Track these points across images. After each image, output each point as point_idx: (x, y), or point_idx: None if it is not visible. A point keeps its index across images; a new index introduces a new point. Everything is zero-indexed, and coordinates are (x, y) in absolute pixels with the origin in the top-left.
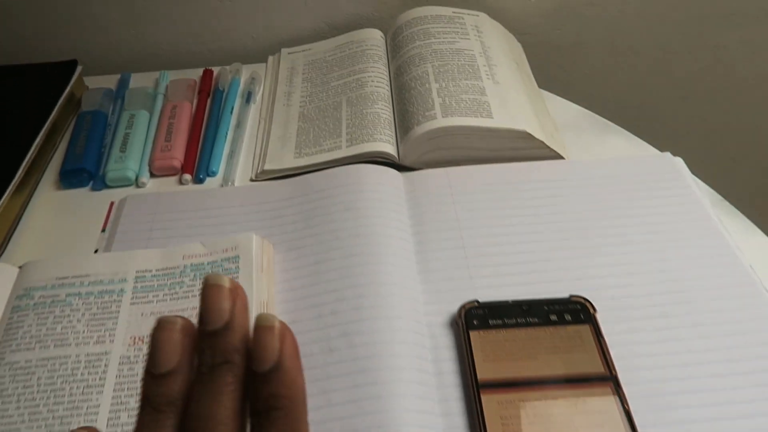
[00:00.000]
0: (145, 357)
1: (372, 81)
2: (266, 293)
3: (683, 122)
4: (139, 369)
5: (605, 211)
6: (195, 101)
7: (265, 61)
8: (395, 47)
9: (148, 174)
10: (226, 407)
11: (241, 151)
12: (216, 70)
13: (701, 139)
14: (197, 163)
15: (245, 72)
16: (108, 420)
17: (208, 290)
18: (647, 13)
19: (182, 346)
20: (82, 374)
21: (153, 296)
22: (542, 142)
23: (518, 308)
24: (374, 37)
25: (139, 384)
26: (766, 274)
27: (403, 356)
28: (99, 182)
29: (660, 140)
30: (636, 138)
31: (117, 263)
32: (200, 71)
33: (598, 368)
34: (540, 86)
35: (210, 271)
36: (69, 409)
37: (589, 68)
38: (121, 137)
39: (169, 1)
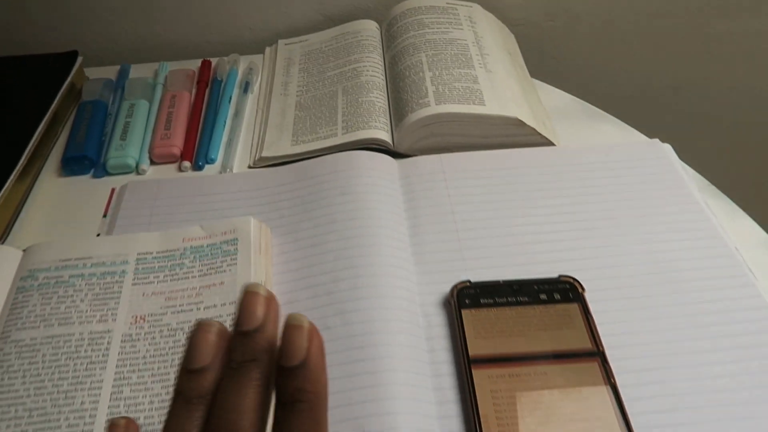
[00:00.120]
0: (181, 355)
1: (367, 70)
2: (264, 274)
3: (673, 111)
4: (141, 346)
5: (595, 195)
6: (194, 91)
7: (263, 52)
8: (390, 38)
9: (148, 161)
10: (250, 399)
11: (239, 139)
12: (214, 61)
13: (690, 128)
14: (196, 151)
15: (243, 63)
16: (111, 394)
17: (246, 296)
18: (639, 4)
19: (216, 347)
20: (85, 351)
21: (154, 277)
22: (533, 129)
23: (509, 288)
24: (369, 28)
25: (173, 379)
26: (750, 255)
27: (397, 333)
28: (100, 170)
29: (650, 129)
30: (627, 126)
31: (119, 246)
32: (199, 62)
33: (586, 344)
34: (533, 76)
35: (209, 254)
36: (73, 384)
37: (581, 59)
38: (121, 126)
39: None
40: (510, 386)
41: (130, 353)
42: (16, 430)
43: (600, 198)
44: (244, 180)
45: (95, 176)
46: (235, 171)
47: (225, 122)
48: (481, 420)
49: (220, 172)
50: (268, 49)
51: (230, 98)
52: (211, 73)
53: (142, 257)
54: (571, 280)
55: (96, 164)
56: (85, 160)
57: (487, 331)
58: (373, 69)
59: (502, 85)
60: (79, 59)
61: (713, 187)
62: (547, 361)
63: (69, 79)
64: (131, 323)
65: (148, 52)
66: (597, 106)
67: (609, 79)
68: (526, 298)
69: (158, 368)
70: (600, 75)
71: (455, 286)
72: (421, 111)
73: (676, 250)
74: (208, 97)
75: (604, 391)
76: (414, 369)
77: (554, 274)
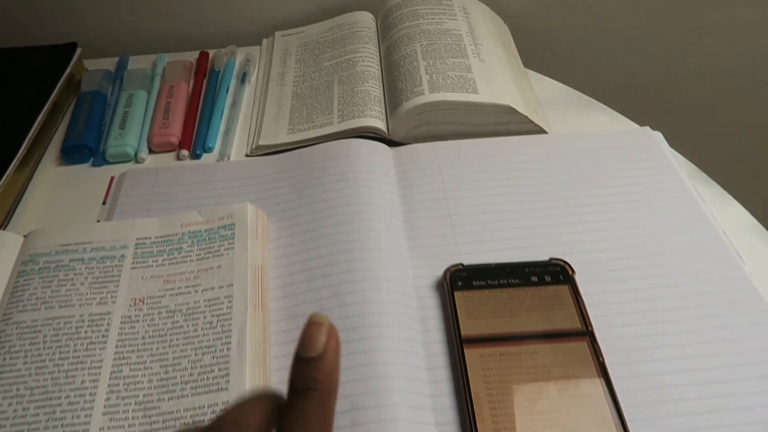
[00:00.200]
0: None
1: (363, 60)
2: (261, 258)
3: (664, 100)
4: (140, 327)
5: (586, 181)
6: (192, 82)
7: (260, 44)
8: (385, 28)
9: (146, 150)
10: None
11: (237, 128)
12: (212, 52)
13: (681, 117)
14: (194, 140)
15: (240, 54)
16: (111, 373)
17: (309, 326)
18: None
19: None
20: (85, 332)
21: (152, 261)
22: (526, 117)
23: (501, 270)
24: (365, 19)
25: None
26: (738, 239)
27: (392, 314)
28: (99, 158)
29: (641, 117)
30: (618, 115)
31: (118, 231)
32: (197, 54)
33: (576, 324)
34: (526, 66)
35: (207, 239)
36: (74, 364)
37: (575, 50)
38: (120, 115)
39: None
40: (501, 365)
41: (129, 334)
42: (18, 407)
43: (591, 184)
44: (242, 168)
45: (94, 165)
46: (232, 159)
47: (222, 112)
48: (473, 397)
49: (218, 161)
50: (265, 41)
51: (227, 89)
52: (208, 64)
53: (141, 242)
54: (562, 263)
55: (95, 153)
56: (84, 149)
57: (479, 312)
58: (368, 59)
59: (495, 74)
60: (78, 51)
61: (702, 173)
62: (538, 341)
63: (68, 70)
64: (130, 305)
65: (146, 44)
66: (589, 96)
67: (601, 69)
68: (518, 281)
69: (157, 348)
70: (592, 65)
71: (448, 269)
72: (416, 99)
73: (665, 234)
74: (205, 88)
75: (593, 369)
76: (407, 349)
77: (545, 257)
